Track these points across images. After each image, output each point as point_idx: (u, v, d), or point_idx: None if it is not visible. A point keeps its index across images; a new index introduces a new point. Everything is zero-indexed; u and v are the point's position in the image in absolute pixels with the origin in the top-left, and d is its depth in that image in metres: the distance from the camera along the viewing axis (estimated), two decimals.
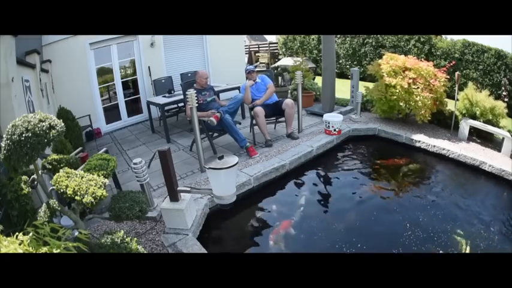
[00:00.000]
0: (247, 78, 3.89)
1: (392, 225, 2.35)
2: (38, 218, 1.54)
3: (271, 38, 13.59)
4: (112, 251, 1.49)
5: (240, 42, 7.20)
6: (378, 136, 4.03)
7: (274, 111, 3.78)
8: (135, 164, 2.31)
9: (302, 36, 9.90)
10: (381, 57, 4.82)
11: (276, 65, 7.59)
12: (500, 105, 3.57)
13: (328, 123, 3.81)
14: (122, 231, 1.63)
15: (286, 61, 7.30)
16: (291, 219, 2.50)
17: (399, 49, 7.45)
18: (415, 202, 2.65)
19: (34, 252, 1.00)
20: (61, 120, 1.33)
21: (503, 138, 3.35)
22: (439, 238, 2.17)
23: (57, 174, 1.39)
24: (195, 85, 3.69)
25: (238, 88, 4.79)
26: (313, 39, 9.63)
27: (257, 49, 11.58)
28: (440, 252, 2.06)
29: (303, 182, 3.10)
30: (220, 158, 1.89)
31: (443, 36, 7.05)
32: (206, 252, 1.99)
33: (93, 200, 1.31)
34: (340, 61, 8.85)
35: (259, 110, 3.51)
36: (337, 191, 2.95)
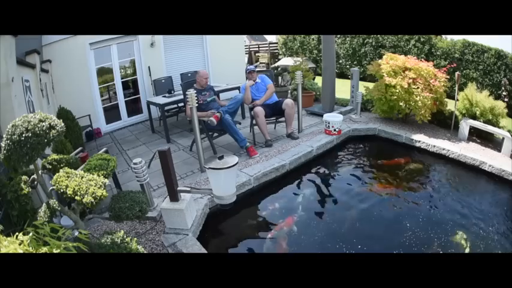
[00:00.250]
0: (247, 78, 3.89)
1: (392, 226, 2.35)
2: (38, 218, 1.54)
3: (271, 38, 13.59)
4: (112, 251, 1.49)
5: (240, 42, 7.20)
6: (377, 136, 4.03)
7: (274, 111, 3.78)
8: (135, 164, 2.31)
9: (302, 36, 9.90)
10: (380, 57, 4.83)
11: (276, 65, 7.58)
12: (500, 105, 3.57)
13: (328, 123, 3.81)
14: (122, 231, 1.63)
15: (286, 61, 7.30)
16: (294, 216, 2.51)
17: (399, 49, 7.45)
18: (415, 202, 2.64)
19: (34, 252, 1.00)
20: (61, 120, 1.33)
21: (503, 138, 3.34)
22: (439, 238, 2.17)
23: (57, 174, 1.39)
24: (195, 85, 3.69)
25: (238, 88, 4.79)
26: (313, 39, 9.63)
27: (257, 49, 11.58)
28: (440, 252, 2.06)
29: (303, 182, 3.09)
30: (220, 158, 1.89)
31: (443, 36, 7.05)
32: (206, 252, 1.99)
33: (93, 200, 1.31)
34: (340, 61, 8.85)
35: (259, 110, 3.51)
36: (337, 191, 2.95)
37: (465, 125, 3.64)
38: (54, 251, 1.05)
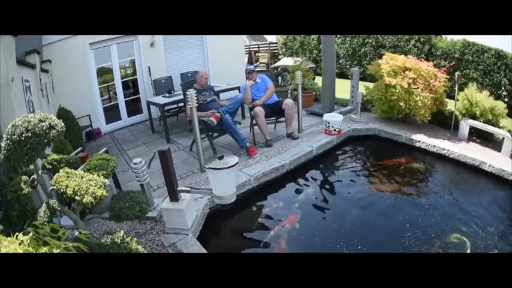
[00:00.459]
0: (247, 78, 3.89)
1: (392, 226, 2.35)
2: (38, 218, 1.54)
3: (271, 38, 13.59)
4: (112, 251, 1.49)
5: (240, 42, 7.20)
6: (377, 136, 4.03)
7: (274, 111, 3.78)
8: (135, 164, 2.31)
9: (302, 36, 9.90)
10: (380, 57, 4.83)
11: (276, 65, 7.58)
12: (500, 105, 3.57)
13: (328, 123, 3.81)
14: (122, 231, 1.63)
15: (286, 61, 7.30)
16: (297, 214, 2.51)
17: (399, 49, 7.45)
18: (415, 202, 2.64)
19: (34, 252, 1.00)
20: (61, 120, 1.33)
21: (503, 138, 3.35)
22: (439, 239, 2.17)
23: (57, 174, 1.39)
24: (195, 85, 3.69)
25: (238, 88, 4.79)
26: (313, 39, 9.63)
27: (257, 49, 11.58)
28: (440, 252, 2.06)
29: (303, 182, 3.09)
30: (220, 158, 1.89)
31: (443, 36, 7.05)
32: (206, 252, 1.99)
33: (93, 200, 1.31)
34: (340, 61, 8.85)
35: (259, 110, 3.51)
36: (337, 191, 2.95)
37: (465, 125, 3.64)
38: (54, 251, 1.05)
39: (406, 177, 3.09)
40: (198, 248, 1.99)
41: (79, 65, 4.82)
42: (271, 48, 10.83)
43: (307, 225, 2.42)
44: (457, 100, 3.80)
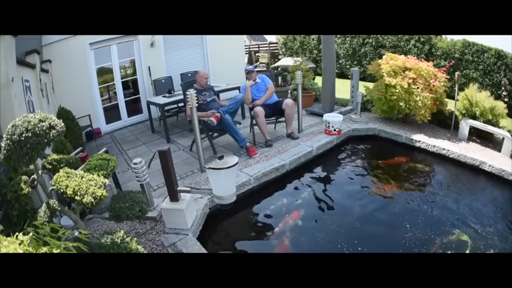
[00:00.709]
0: (247, 79, 3.89)
1: (392, 226, 2.35)
2: (38, 218, 1.54)
3: (271, 38, 13.58)
4: (112, 251, 1.49)
5: (240, 42, 7.20)
6: (378, 136, 4.03)
7: (274, 111, 3.78)
8: (135, 164, 2.31)
9: (302, 36, 9.89)
10: (380, 57, 4.83)
11: (276, 65, 7.58)
12: (500, 106, 3.57)
13: (328, 123, 3.81)
14: (122, 231, 1.63)
15: (286, 61, 7.30)
16: (301, 211, 2.52)
17: (399, 49, 7.45)
18: (415, 202, 2.64)
19: (34, 252, 1.00)
20: (61, 120, 1.33)
21: (503, 138, 3.35)
22: (439, 239, 2.17)
23: (57, 174, 1.39)
24: (195, 85, 3.69)
25: (238, 88, 4.79)
26: (313, 39, 9.63)
27: (257, 49, 11.58)
28: (440, 252, 2.06)
29: (303, 182, 3.10)
30: (220, 158, 1.89)
31: (443, 36, 7.05)
32: (206, 252, 1.99)
33: (93, 200, 1.31)
34: (340, 61, 8.85)
35: (259, 110, 3.51)
36: (337, 191, 2.95)
37: (465, 125, 3.64)
38: (54, 251, 1.05)
39: (406, 177, 3.09)
40: (198, 248, 1.99)
41: (79, 65, 4.82)
42: (271, 48, 10.83)
43: (308, 225, 2.42)
44: (457, 100, 3.80)
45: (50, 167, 1.65)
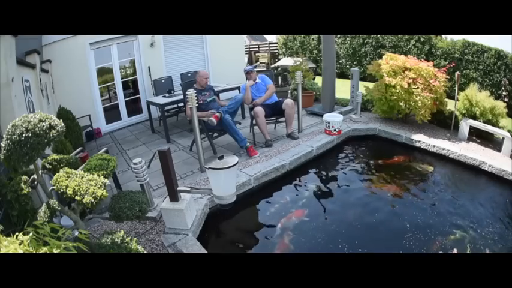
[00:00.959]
0: (247, 79, 3.89)
1: (392, 226, 2.35)
2: (38, 218, 1.54)
3: (271, 38, 13.58)
4: (112, 251, 1.49)
5: (240, 42, 7.20)
6: (378, 136, 4.03)
7: (274, 111, 3.78)
8: (135, 164, 2.31)
9: (302, 36, 9.89)
10: (380, 57, 4.82)
11: (276, 65, 7.58)
12: (500, 105, 3.57)
13: (328, 123, 3.81)
14: (122, 231, 1.63)
15: (286, 61, 7.30)
16: (305, 210, 2.54)
17: (399, 49, 7.45)
18: (416, 202, 2.64)
19: (34, 252, 1.00)
20: (61, 120, 1.33)
21: (503, 138, 3.35)
22: (439, 239, 2.17)
23: (57, 174, 1.39)
24: (195, 85, 3.69)
25: (238, 88, 4.79)
26: (313, 39, 9.63)
27: (257, 49, 11.57)
28: (442, 252, 2.06)
29: (303, 182, 3.10)
30: (220, 158, 1.89)
31: (443, 36, 7.05)
32: (206, 252, 1.99)
33: (93, 200, 1.31)
34: (340, 61, 8.85)
35: (259, 110, 3.51)
36: (337, 191, 2.95)
37: (465, 125, 3.64)
38: (54, 251, 1.05)
39: (406, 177, 3.09)
40: (198, 248, 1.99)
41: (79, 65, 4.82)
42: (271, 48, 10.82)
43: (308, 225, 2.42)
44: (457, 100, 3.80)
45: (50, 167, 1.65)
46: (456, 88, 3.74)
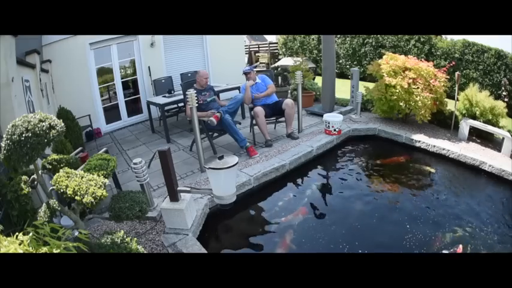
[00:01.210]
0: (246, 79, 3.89)
1: (392, 226, 2.35)
2: (38, 218, 1.54)
3: (271, 38, 13.58)
4: (112, 251, 1.49)
5: (240, 42, 7.20)
6: (378, 136, 4.03)
7: (274, 111, 3.78)
8: (135, 164, 2.31)
9: (302, 36, 9.89)
10: (381, 57, 4.82)
11: (276, 65, 7.58)
12: (500, 105, 3.57)
13: (328, 123, 3.81)
14: (122, 231, 1.63)
15: (286, 61, 7.30)
16: (306, 209, 2.57)
17: (399, 49, 7.45)
18: (416, 202, 2.64)
19: (34, 252, 1.00)
20: (61, 120, 1.33)
21: (503, 138, 3.35)
22: (439, 239, 2.17)
23: (57, 174, 1.39)
24: (195, 85, 3.69)
25: (238, 88, 4.79)
26: (313, 39, 9.63)
27: (257, 49, 11.57)
28: (440, 252, 2.06)
29: (303, 182, 3.10)
30: (220, 158, 1.89)
31: (443, 36, 7.05)
32: (206, 252, 1.99)
33: (93, 200, 1.31)
34: (340, 61, 8.85)
35: (259, 110, 3.51)
36: (337, 191, 2.95)
37: (465, 125, 3.64)
38: (54, 251, 1.05)
39: (406, 177, 3.08)
40: (198, 248, 1.99)
41: (79, 65, 4.82)
42: (271, 48, 10.82)
43: (308, 225, 2.42)
44: (457, 100, 3.80)
45: (50, 167, 1.65)
46: (456, 88, 3.74)
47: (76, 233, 1.37)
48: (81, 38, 4.71)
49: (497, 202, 2.66)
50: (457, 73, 3.82)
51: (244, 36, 11.23)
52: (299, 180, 3.11)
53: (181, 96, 4.13)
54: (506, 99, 5.58)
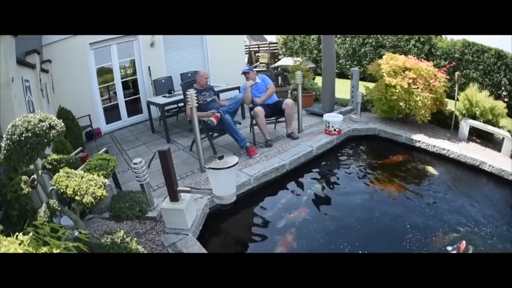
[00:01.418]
0: (246, 79, 3.89)
1: (393, 226, 2.35)
2: (38, 218, 1.54)
3: (271, 38, 13.58)
4: (112, 251, 1.49)
5: (240, 42, 7.20)
6: (377, 136, 4.03)
7: (274, 111, 3.78)
8: (135, 164, 2.31)
9: (302, 36, 9.90)
10: (380, 57, 4.83)
11: (276, 65, 7.58)
12: (500, 105, 3.57)
13: (328, 123, 3.81)
14: (122, 231, 1.63)
15: (286, 61, 7.30)
16: (306, 208, 2.59)
17: (399, 49, 7.45)
18: (416, 202, 2.64)
19: (34, 252, 1.00)
20: (61, 120, 1.33)
21: (503, 138, 3.35)
22: (439, 239, 2.17)
23: (57, 174, 1.39)
24: (195, 85, 3.69)
25: (238, 88, 4.79)
26: (313, 39, 9.63)
27: (257, 49, 11.57)
28: (444, 248, 2.06)
29: (303, 182, 3.09)
30: (220, 158, 1.89)
31: (443, 36, 7.05)
32: (206, 252, 1.99)
33: (93, 200, 1.31)
34: (340, 61, 8.85)
35: (259, 110, 3.51)
36: (337, 191, 2.95)
37: (465, 125, 3.64)
38: (54, 251, 1.05)
39: (406, 177, 3.08)
40: (198, 248, 1.99)
41: (79, 65, 4.82)
42: (271, 48, 10.82)
43: (308, 225, 2.42)
44: (457, 100, 3.80)
45: (50, 167, 1.65)
46: (456, 88, 3.74)
47: (76, 233, 1.37)
48: (81, 38, 4.71)
49: (497, 202, 2.66)
50: (457, 73, 3.82)
51: (244, 36, 11.23)
52: (299, 180, 3.11)
53: (181, 96, 4.13)
54: (506, 99, 5.57)
